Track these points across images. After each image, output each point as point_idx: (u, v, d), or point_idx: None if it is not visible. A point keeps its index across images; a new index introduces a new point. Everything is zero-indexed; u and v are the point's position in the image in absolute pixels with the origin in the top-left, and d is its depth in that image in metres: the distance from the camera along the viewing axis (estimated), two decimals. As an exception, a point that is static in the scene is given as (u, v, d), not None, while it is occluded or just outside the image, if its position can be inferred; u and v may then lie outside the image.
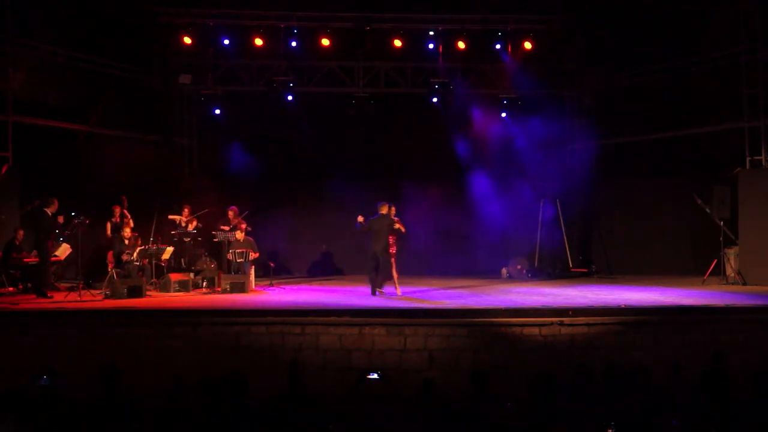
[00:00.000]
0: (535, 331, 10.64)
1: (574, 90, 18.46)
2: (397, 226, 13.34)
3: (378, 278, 13.34)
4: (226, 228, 14.93)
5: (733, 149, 15.26)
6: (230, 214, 15.16)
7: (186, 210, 15.43)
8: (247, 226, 14.84)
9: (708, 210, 15.31)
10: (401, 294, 13.37)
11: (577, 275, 17.23)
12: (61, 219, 13.20)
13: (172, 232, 15.23)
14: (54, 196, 13.10)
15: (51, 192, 13.32)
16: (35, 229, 13.14)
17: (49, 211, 12.96)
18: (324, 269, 18.61)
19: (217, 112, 17.89)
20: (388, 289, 13.46)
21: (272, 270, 15.51)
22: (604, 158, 17.67)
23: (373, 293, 13.31)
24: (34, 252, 13.34)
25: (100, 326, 10.61)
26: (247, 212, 15.15)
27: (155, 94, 17.66)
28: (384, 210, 13.42)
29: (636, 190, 17.51)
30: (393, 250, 13.49)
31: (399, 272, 13.61)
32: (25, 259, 13.45)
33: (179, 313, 11.20)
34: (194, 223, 15.30)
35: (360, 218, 13.34)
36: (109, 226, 14.69)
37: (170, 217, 15.33)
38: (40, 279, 12.93)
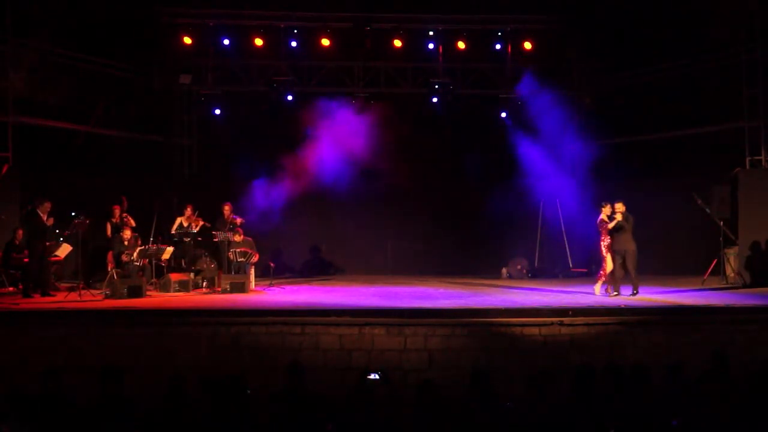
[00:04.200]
0: (535, 331, 10.62)
1: (574, 90, 18.44)
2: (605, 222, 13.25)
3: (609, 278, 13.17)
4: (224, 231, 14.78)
5: (733, 149, 15.26)
6: (226, 209, 14.95)
7: (188, 209, 15.14)
8: (242, 220, 14.78)
9: (708, 210, 15.29)
10: (601, 294, 13.10)
11: (577, 275, 17.21)
12: (50, 221, 12.95)
13: (173, 232, 15.17)
14: (46, 198, 12.88)
15: (47, 193, 13.21)
16: (26, 230, 13.09)
17: (41, 212, 12.81)
18: (324, 269, 18.60)
19: (217, 112, 17.88)
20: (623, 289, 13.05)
21: (272, 270, 15.50)
22: (604, 158, 17.64)
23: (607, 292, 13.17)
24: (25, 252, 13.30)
25: (100, 326, 10.60)
26: (242, 220, 15.00)
27: (155, 94, 17.66)
28: (604, 209, 13.41)
29: (636, 190, 17.43)
30: (606, 248, 13.32)
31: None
32: (25, 259, 13.42)
33: (179, 313, 11.20)
34: (200, 222, 15.14)
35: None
36: (109, 226, 14.65)
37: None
38: (30, 279, 12.83)
